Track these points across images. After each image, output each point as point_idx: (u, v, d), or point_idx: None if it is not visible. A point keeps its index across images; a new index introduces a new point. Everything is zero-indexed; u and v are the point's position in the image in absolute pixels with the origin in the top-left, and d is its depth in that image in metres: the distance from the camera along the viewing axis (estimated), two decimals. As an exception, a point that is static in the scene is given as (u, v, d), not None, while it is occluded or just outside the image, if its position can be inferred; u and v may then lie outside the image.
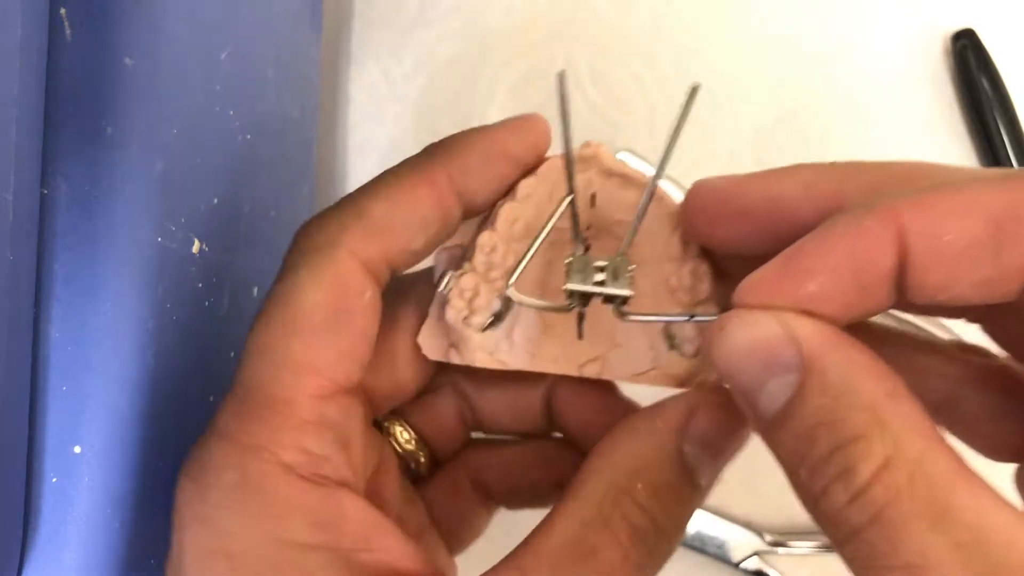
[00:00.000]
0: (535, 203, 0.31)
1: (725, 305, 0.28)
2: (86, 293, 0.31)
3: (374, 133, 0.61)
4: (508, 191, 0.32)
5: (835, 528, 0.22)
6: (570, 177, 0.31)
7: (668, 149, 0.28)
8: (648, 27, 0.60)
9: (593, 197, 0.32)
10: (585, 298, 0.31)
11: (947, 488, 0.21)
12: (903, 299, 0.24)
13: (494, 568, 0.26)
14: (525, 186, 0.31)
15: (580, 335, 0.33)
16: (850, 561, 0.22)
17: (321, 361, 0.28)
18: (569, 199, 0.31)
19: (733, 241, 0.28)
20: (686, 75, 0.60)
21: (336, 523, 0.27)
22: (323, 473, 0.27)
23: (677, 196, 0.31)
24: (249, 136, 0.42)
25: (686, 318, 0.30)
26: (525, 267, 0.31)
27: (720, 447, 0.27)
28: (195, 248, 0.36)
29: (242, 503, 0.26)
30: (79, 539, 0.31)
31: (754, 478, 0.55)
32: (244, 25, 0.41)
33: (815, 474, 0.22)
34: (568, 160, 0.30)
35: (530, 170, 0.31)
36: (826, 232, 0.24)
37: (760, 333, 0.24)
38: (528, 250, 0.31)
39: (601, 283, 0.30)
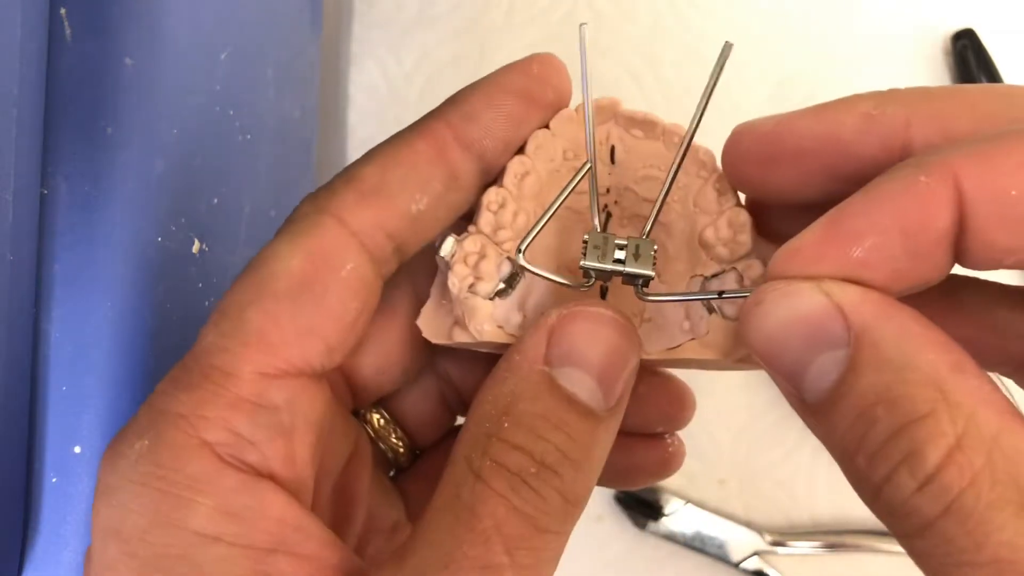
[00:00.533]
0: (547, 157, 0.28)
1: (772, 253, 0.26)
2: (86, 293, 0.31)
3: (374, 133, 0.61)
4: (523, 143, 0.28)
5: (902, 521, 0.20)
6: (590, 141, 0.27)
7: (705, 99, 0.25)
8: (649, 28, 0.60)
9: (612, 151, 0.29)
10: (605, 274, 0.28)
11: None
12: (965, 263, 0.22)
13: (378, 567, 0.24)
14: (536, 138, 0.28)
15: None
16: (922, 558, 0.20)
17: (276, 336, 0.25)
18: (586, 168, 0.27)
19: (786, 187, 0.25)
20: (687, 76, 0.60)
21: (249, 516, 0.24)
22: (246, 459, 0.24)
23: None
24: (249, 136, 0.42)
25: (714, 295, 0.27)
26: (538, 234, 0.27)
27: (594, 360, 0.24)
28: (195, 248, 0.36)
29: (145, 476, 0.23)
30: (79, 539, 0.31)
31: (754, 478, 0.55)
32: (244, 25, 0.41)
33: (876, 460, 0.20)
34: (587, 119, 0.27)
35: (544, 124, 0.28)
36: (873, 191, 0.21)
37: (802, 305, 0.21)
38: (541, 217, 0.27)
39: (621, 261, 0.27)
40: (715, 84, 0.26)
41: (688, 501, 0.53)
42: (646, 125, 0.29)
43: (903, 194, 0.21)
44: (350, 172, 0.26)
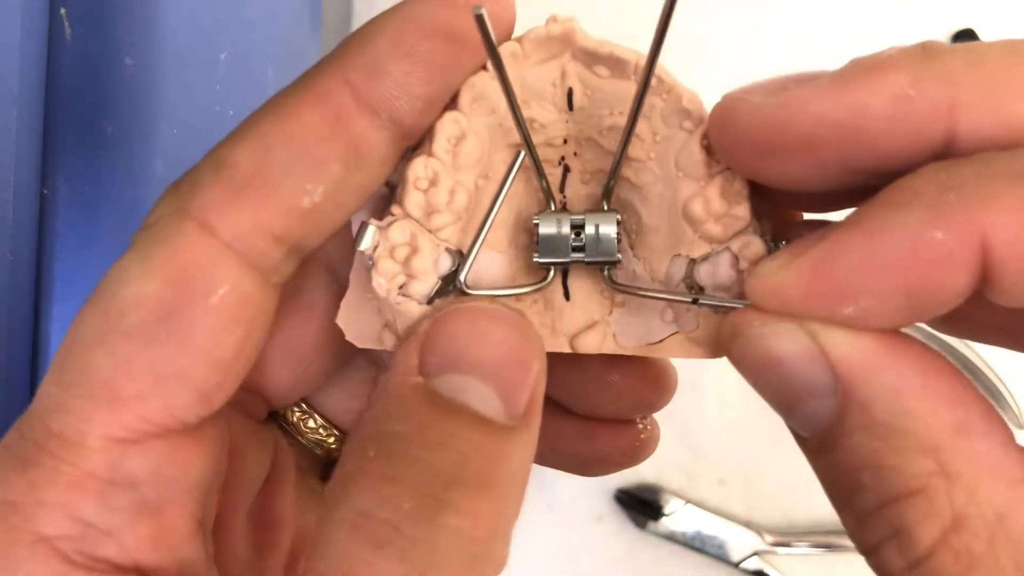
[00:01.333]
0: (488, 108, 0.22)
1: (773, 224, 0.22)
2: (86, 293, 0.31)
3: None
4: (453, 98, 0.22)
5: None
6: (518, 122, 0.21)
7: (664, 21, 0.18)
8: (649, 29, 0.60)
9: (570, 94, 0.22)
10: (563, 266, 0.23)
11: None
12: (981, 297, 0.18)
13: None
14: (472, 87, 0.21)
15: (567, 294, 0.24)
16: None
17: (130, 387, 0.19)
18: (520, 159, 0.22)
19: (792, 179, 0.20)
20: (687, 77, 0.60)
21: None
22: (100, 554, 0.19)
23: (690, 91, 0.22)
24: (249, 136, 0.42)
25: (688, 300, 0.22)
26: (478, 252, 0.22)
27: (485, 361, 0.19)
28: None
29: None
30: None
31: (754, 478, 0.55)
32: (244, 25, 0.41)
33: (863, 527, 0.18)
34: (510, 98, 0.20)
35: (482, 65, 0.21)
36: (875, 236, 0.17)
37: (782, 348, 0.18)
38: (479, 234, 0.22)
39: (580, 247, 0.22)
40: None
41: (688, 501, 0.53)
42: (613, 62, 0.22)
43: (912, 255, 0.17)
44: (219, 156, 0.20)
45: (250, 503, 0.25)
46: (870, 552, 0.18)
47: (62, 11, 0.31)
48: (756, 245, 0.21)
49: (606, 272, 0.23)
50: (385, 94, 0.20)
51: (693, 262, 0.22)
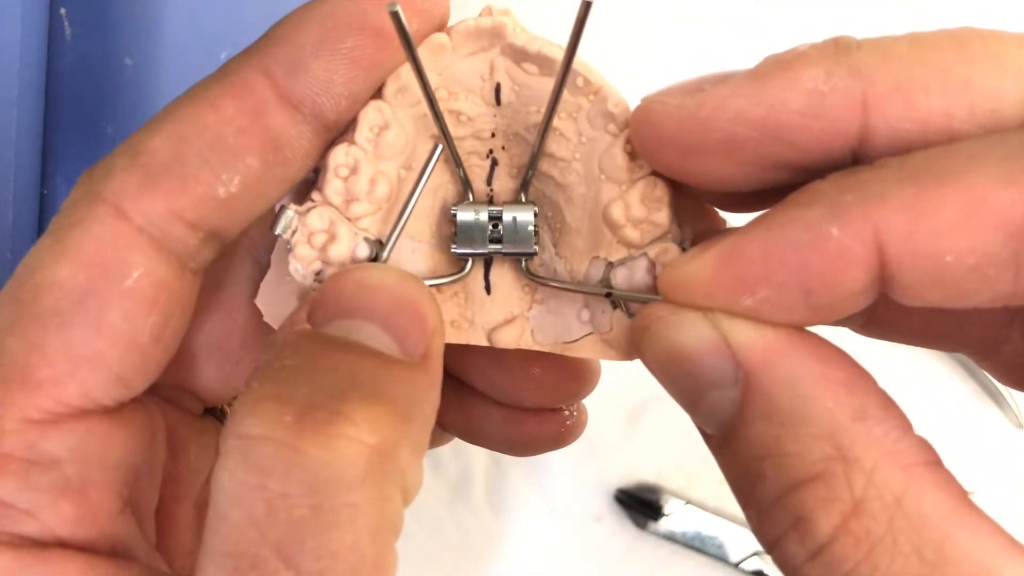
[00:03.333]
0: (413, 100, 0.22)
1: (696, 232, 0.22)
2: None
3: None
4: (378, 88, 0.21)
5: None
6: (435, 115, 0.21)
7: (580, 22, 0.18)
8: (650, 29, 0.60)
9: (498, 90, 0.22)
10: (482, 256, 0.23)
11: (939, 534, 0.16)
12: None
13: None
14: (397, 78, 0.21)
15: (488, 288, 0.24)
16: None
17: (45, 370, 0.19)
18: (438, 153, 0.22)
19: (713, 178, 0.20)
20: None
21: None
22: (20, 531, 0.19)
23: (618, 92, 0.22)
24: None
25: (602, 292, 0.22)
26: (395, 243, 0.22)
27: (375, 307, 0.19)
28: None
29: None
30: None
31: (754, 478, 0.55)
32: (244, 25, 0.41)
33: (765, 519, 0.18)
34: (426, 93, 0.20)
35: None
36: (775, 231, 0.18)
37: (687, 339, 0.18)
38: (396, 225, 0.22)
39: (498, 238, 0.22)
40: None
41: (688, 501, 0.53)
42: (541, 59, 0.22)
43: (808, 247, 0.17)
44: (135, 143, 0.20)
45: (196, 494, 0.25)
46: (773, 546, 0.18)
47: (62, 11, 0.31)
48: (673, 252, 0.21)
49: (523, 263, 0.23)
50: (307, 91, 0.20)
51: (611, 265, 0.22)
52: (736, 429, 0.18)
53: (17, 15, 0.29)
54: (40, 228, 0.31)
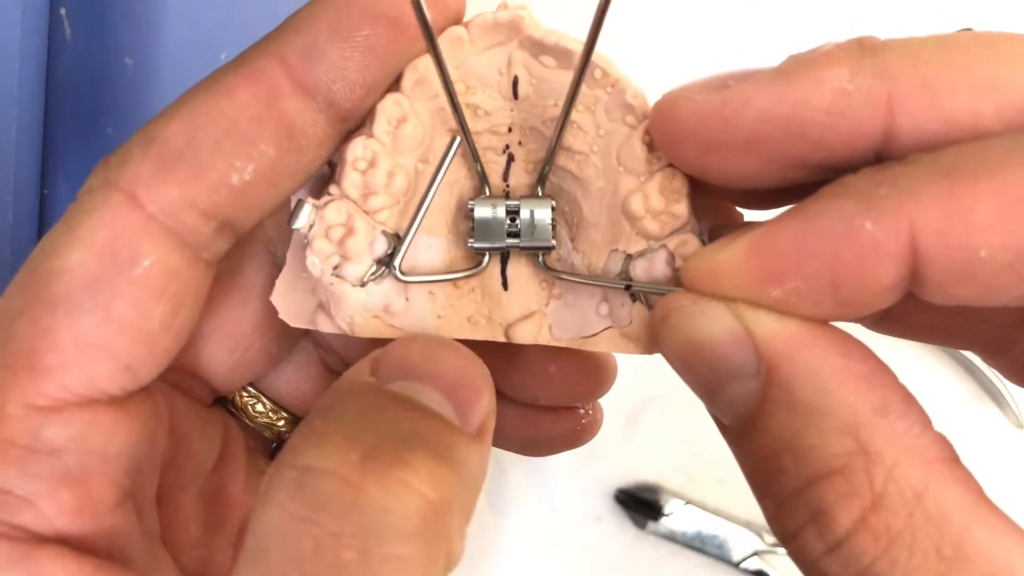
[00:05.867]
0: (431, 92, 0.21)
1: (713, 226, 0.22)
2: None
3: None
4: (396, 79, 0.21)
5: None
6: (454, 107, 0.21)
7: (600, 13, 0.18)
8: (669, 22, 0.60)
9: (515, 83, 0.22)
10: (500, 251, 0.23)
11: (958, 531, 0.16)
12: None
13: None
14: (416, 70, 0.21)
15: (505, 283, 0.24)
16: None
17: (52, 356, 0.19)
18: (456, 145, 0.22)
19: (735, 175, 0.20)
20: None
21: None
22: (17, 521, 0.19)
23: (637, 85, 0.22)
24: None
25: (621, 285, 0.22)
26: (412, 240, 0.22)
27: (439, 373, 0.19)
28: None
29: None
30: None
31: (754, 478, 0.55)
32: (244, 25, 0.41)
33: (783, 512, 0.18)
34: (446, 84, 0.20)
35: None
36: (809, 223, 0.18)
37: (708, 329, 0.18)
38: (415, 219, 0.22)
39: (516, 233, 0.22)
40: None
41: (688, 501, 0.53)
42: (559, 52, 0.21)
43: (841, 241, 0.17)
44: (150, 131, 0.20)
45: (200, 483, 0.25)
46: (790, 539, 0.18)
47: (62, 11, 0.31)
48: (692, 244, 0.21)
49: (540, 258, 0.23)
50: (321, 77, 0.20)
51: (630, 258, 0.22)
52: (755, 421, 0.18)
53: (17, 15, 0.29)
54: (40, 228, 0.31)
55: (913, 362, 0.52)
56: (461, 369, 0.19)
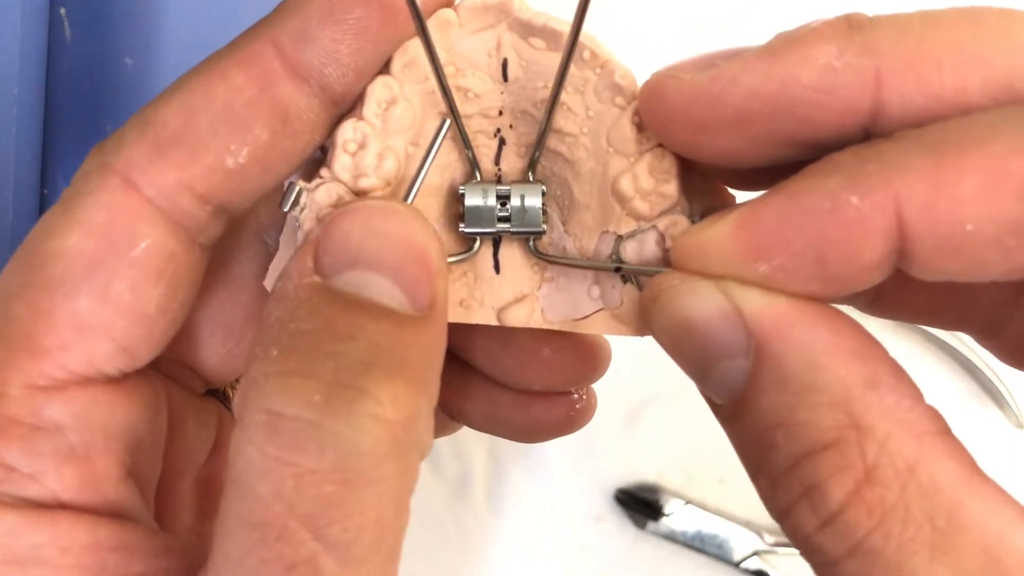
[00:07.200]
0: (421, 75, 0.22)
1: (704, 208, 0.22)
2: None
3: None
4: (386, 63, 0.21)
5: (808, 555, 0.18)
6: (443, 90, 0.21)
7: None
8: (647, 30, 0.60)
9: (505, 65, 0.22)
10: (491, 235, 0.23)
11: (951, 502, 0.16)
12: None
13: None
14: (405, 52, 0.21)
15: (497, 267, 0.24)
16: None
17: (51, 337, 0.19)
18: (445, 128, 0.22)
19: (724, 154, 0.20)
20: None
21: (46, 557, 0.19)
22: (24, 495, 0.19)
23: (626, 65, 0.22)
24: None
25: (611, 267, 0.22)
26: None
27: (383, 257, 0.19)
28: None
29: None
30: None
31: (754, 478, 0.55)
32: (244, 25, 0.41)
33: (777, 488, 0.18)
34: (435, 67, 0.20)
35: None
36: (795, 199, 0.18)
37: (697, 308, 0.18)
38: (406, 197, 0.22)
39: (507, 218, 0.23)
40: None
41: (688, 501, 0.53)
42: (548, 33, 0.22)
43: (827, 216, 0.17)
44: (145, 115, 0.20)
45: (195, 472, 0.25)
46: (784, 516, 0.18)
47: (62, 11, 0.31)
48: (683, 224, 0.21)
49: (531, 242, 0.23)
50: (313, 61, 0.20)
51: (620, 239, 0.22)
52: (747, 399, 0.18)
53: (17, 15, 0.29)
54: (40, 228, 0.31)
55: (913, 362, 0.52)
56: (404, 242, 0.19)
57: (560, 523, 0.53)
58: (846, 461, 0.16)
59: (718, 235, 0.19)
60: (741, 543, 0.53)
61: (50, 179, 0.31)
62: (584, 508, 0.54)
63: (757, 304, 0.18)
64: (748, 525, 0.54)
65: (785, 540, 0.53)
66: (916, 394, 0.17)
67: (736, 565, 0.53)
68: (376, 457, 0.17)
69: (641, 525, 0.54)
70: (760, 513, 0.56)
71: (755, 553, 0.53)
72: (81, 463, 0.20)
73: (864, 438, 0.16)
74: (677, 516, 0.53)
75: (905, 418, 0.17)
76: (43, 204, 0.31)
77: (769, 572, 0.53)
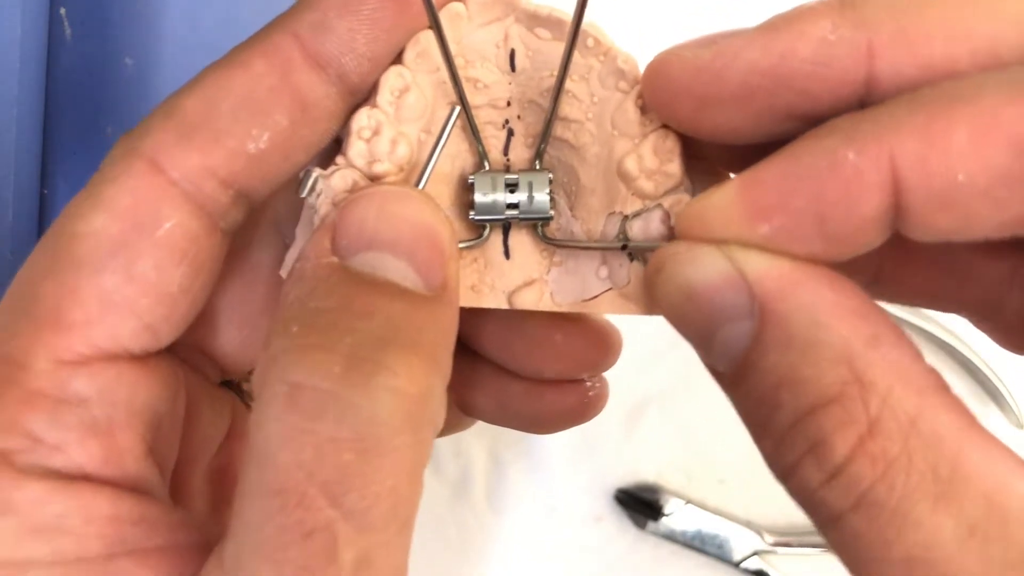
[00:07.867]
0: (432, 66, 0.23)
1: (706, 186, 0.23)
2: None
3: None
4: (399, 54, 0.22)
5: (812, 512, 0.18)
6: (453, 79, 0.22)
7: None
8: (648, 16, 0.60)
9: (512, 56, 0.23)
10: (500, 223, 0.24)
11: (953, 453, 0.16)
12: (904, 233, 0.19)
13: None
14: (417, 43, 0.22)
15: (507, 253, 0.25)
16: (836, 548, 0.18)
17: (77, 313, 0.20)
18: (455, 115, 0.23)
19: (726, 129, 0.21)
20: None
21: (69, 526, 0.19)
22: (50, 465, 0.20)
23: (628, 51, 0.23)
24: (249, 136, 0.42)
25: (617, 246, 0.23)
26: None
27: (397, 238, 0.20)
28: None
29: None
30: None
31: (754, 478, 0.55)
32: (244, 25, 0.41)
33: (782, 446, 0.18)
34: (446, 56, 0.21)
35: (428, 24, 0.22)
36: (793, 160, 0.18)
37: (701, 273, 0.19)
38: (418, 182, 0.22)
39: (515, 205, 0.23)
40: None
41: (688, 501, 0.53)
42: (553, 23, 0.23)
43: (825, 173, 0.18)
44: (171, 104, 0.21)
45: (208, 460, 0.26)
46: (789, 474, 0.18)
47: (62, 11, 0.31)
48: (686, 202, 0.22)
49: (539, 228, 0.24)
50: (331, 50, 0.21)
51: (626, 218, 0.23)
52: (751, 361, 0.18)
53: (17, 15, 0.29)
54: (40, 228, 0.31)
55: (913, 362, 0.52)
56: (417, 225, 0.20)
57: (560, 523, 0.53)
58: (850, 415, 0.17)
59: (720, 199, 0.19)
60: (741, 543, 0.53)
61: (50, 179, 0.31)
62: (584, 508, 0.54)
63: (761, 266, 0.18)
64: (748, 525, 0.54)
65: (785, 540, 0.53)
66: (915, 352, 0.18)
67: (736, 565, 0.53)
68: (393, 427, 0.18)
69: (641, 525, 0.54)
70: (760, 513, 0.56)
71: (755, 553, 0.53)
72: (105, 436, 0.20)
73: (867, 392, 0.17)
74: (677, 516, 0.53)
75: (906, 373, 0.17)
76: (43, 204, 0.31)
77: (769, 572, 0.53)
